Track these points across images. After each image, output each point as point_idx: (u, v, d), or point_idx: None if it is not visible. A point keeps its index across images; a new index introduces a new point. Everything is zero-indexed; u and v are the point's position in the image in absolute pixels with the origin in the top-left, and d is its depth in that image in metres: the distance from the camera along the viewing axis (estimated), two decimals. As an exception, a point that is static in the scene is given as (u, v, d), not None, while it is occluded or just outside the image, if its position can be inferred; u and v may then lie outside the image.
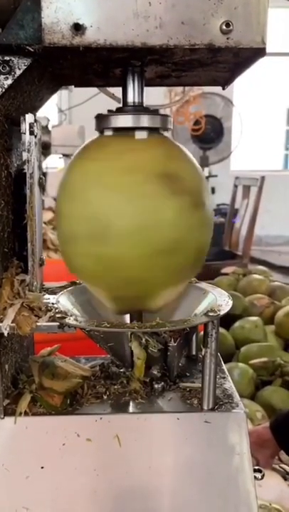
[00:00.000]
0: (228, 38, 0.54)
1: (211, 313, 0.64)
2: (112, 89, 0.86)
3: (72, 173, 0.62)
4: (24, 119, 0.61)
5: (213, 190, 5.43)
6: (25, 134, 0.61)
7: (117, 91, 0.73)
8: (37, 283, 0.65)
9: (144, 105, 0.66)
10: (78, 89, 0.83)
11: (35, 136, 0.61)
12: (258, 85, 6.10)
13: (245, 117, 5.00)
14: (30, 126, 0.60)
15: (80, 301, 0.73)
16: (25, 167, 0.63)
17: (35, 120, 0.60)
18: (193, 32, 0.54)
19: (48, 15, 0.53)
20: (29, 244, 0.64)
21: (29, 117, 0.61)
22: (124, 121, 0.62)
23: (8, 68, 0.57)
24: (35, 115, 0.62)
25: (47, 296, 0.70)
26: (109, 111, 0.65)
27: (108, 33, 0.53)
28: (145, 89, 0.67)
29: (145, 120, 0.62)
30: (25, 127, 0.61)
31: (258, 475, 0.77)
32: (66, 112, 3.88)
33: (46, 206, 3.11)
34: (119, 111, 0.65)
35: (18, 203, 0.68)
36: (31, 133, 0.61)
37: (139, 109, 0.65)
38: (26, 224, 0.64)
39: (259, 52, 0.56)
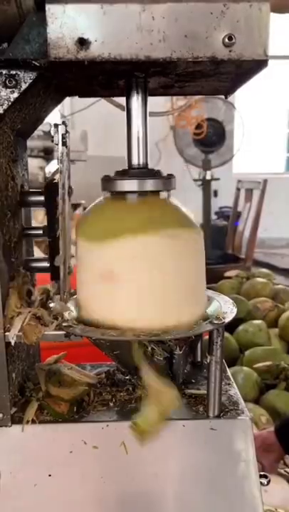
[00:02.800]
0: (230, 51, 0.55)
1: (215, 321, 0.65)
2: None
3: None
4: (57, 131, 0.61)
5: (215, 193, 5.45)
6: (57, 145, 0.61)
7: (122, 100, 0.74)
8: (67, 291, 0.66)
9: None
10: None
11: (67, 147, 0.61)
12: (260, 88, 6.10)
13: (247, 120, 5.01)
14: (63, 137, 0.60)
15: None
16: (57, 177, 0.64)
17: (67, 131, 0.61)
18: (196, 45, 0.55)
19: (54, 30, 0.53)
20: (61, 253, 0.64)
21: (61, 128, 0.61)
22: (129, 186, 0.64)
23: (14, 82, 0.58)
24: (57, 124, 0.63)
25: (52, 304, 0.71)
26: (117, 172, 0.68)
27: (112, 47, 0.54)
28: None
29: (149, 185, 0.64)
30: (58, 138, 0.61)
31: (264, 481, 0.77)
32: (69, 118, 3.90)
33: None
34: (125, 173, 0.67)
35: (50, 213, 0.69)
36: (64, 144, 0.61)
37: (144, 172, 0.67)
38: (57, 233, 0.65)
39: (261, 63, 0.57)
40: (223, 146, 4.54)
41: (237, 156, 5.01)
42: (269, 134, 7.03)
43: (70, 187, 0.64)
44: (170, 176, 0.67)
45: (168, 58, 0.55)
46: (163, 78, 0.67)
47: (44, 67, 0.57)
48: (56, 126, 0.60)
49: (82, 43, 0.54)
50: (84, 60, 0.54)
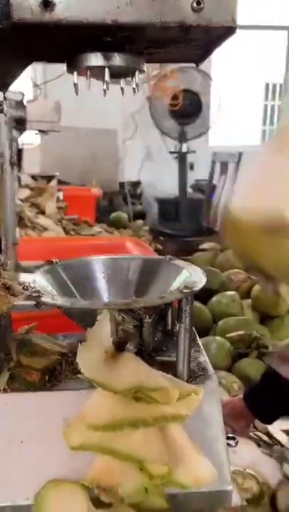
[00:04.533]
0: (199, 17, 0.54)
1: (185, 290, 0.66)
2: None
3: None
4: None
5: (191, 167, 5.43)
6: None
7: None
8: (11, 262, 0.66)
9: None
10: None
11: (5, 115, 0.60)
12: (237, 59, 6.03)
13: (224, 92, 4.97)
14: (0, 104, 0.59)
15: (58, 279, 0.74)
16: None
17: (5, 98, 0.60)
18: (165, 9, 0.54)
19: (17, -10, 0.52)
20: (1, 224, 0.64)
21: None
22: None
23: (-24, 45, 0.56)
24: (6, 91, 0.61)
25: (23, 275, 0.71)
26: None
27: (78, 10, 0.53)
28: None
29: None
30: None
31: (232, 442, 0.81)
32: (41, 87, 3.79)
33: (23, 183, 3.06)
34: None
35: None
36: (0, 111, 0.60)
37: None
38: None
39: (230, 30, 0.56)
40: (200, 118, 4.52)
41: (213, 129, 4.99)
42: (245, 106, 7.00)
43: (12, 156, 0.63)
44: None
45: (136, 23, 0.54)
46: (132, 45, 0.65)
47: (8, 29, 0.55)
48: None
49: (47, 4, 0.52)
50: (48, 23, 0.53)
